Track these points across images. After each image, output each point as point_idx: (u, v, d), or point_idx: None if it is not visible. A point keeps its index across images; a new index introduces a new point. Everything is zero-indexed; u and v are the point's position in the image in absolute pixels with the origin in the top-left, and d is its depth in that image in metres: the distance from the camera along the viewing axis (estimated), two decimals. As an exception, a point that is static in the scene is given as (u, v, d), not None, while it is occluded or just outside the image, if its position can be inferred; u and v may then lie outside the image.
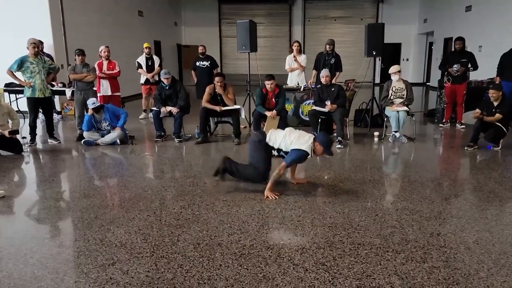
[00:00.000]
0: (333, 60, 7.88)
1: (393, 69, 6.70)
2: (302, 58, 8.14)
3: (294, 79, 8.18)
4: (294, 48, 8.13)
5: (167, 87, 6.62)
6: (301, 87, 7.82)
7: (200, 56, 9.35)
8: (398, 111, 6.37)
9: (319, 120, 6.42)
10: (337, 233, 3.11)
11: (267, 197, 3.89)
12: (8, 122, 5.75)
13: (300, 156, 3.90)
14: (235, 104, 6.63)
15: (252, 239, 3.02)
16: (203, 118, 6.48)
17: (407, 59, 19.16)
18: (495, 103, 5.80)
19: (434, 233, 3.08)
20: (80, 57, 6.70)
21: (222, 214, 3.54)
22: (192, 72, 9.47)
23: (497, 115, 5.69)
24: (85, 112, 6.53)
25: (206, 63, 9.22)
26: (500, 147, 5.85)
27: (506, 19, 10.89)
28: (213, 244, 2.95)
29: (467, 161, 5.52)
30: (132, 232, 3.15)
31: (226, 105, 6.48)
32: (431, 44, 17.68)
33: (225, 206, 3.70)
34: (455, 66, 7.33)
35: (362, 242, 2.95)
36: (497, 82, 7.43)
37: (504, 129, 5.71)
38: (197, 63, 9.29)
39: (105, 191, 4.29)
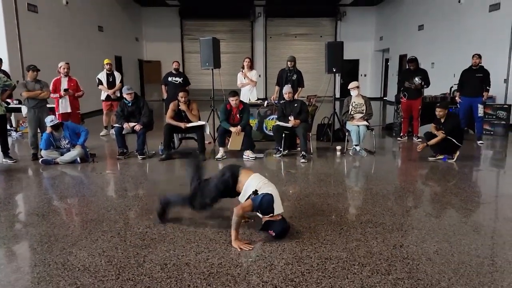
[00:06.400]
0: (295, 76, 8.02)
1: (351, 84, 6.93)
2: (252, 74, 8.25)
3: (246, 95, 8.22)
4: (245, 64, 8.23)
5: (130, 103, 6.51)
6: (264, 102, 7.92)
7: (174, 71, 9.21)
8: (358, 126, 6.59)
9: (283, 135, 6.53)
10: (305, 248, 3.14)
11: (241, 249, 3.14)
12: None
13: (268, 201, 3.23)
14: (200, 120, 6.62)
15: (220, 257, 3.00)
16: (167, 135, 6.42)
17: (365, 75, 19.90)
18: (442, 120, 6.12)
19: (397, 245, 3.18)
20: (31, 73, 6.36)
21: (189, 232, 3.49)
22: (162, 87, 9.25)
23: (441, 135, 5.96)
24: (38, 130, 6.31)
25: (179, 79, 9.07)
26: (455, 159, 6.13)
27: (456, 37, 11.59)
28: (180, 264, 2.90)
29: (424, 173, 5.75)
30: (96, 255, 3.05)
31: (191, 121, 6.46)
32: (387, 60, 18.45)
33: (192, 224, 3.66)
34: (416, 78, 7.67)
35: (329, 256, 2.99)
36: (457, 97, 7.94)
37: (457, 143, 5.99)
38: (169, 78, 9.08)
39: (66, 212, 4.14)
